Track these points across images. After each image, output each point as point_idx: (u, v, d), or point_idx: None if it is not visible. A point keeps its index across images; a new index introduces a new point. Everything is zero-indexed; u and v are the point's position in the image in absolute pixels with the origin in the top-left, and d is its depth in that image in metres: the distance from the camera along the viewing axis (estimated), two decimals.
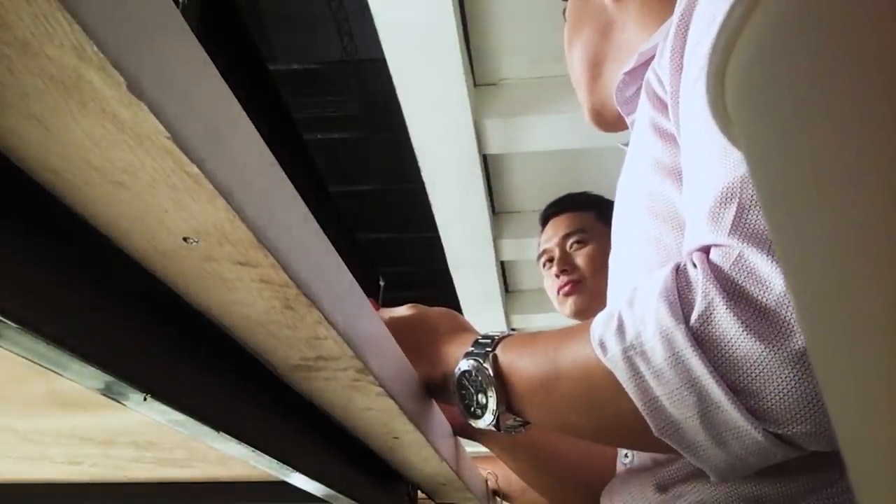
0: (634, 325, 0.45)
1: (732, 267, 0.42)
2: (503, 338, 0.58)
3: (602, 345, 0.47)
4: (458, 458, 0.73)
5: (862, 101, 0.15)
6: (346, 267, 0.39)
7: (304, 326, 0.35)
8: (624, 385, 0.45)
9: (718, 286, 0.42)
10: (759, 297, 0.41)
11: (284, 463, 0.46)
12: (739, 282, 0.42)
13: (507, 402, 0.55)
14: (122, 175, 0.24)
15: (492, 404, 0.55)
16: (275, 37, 6.90)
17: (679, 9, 0.56)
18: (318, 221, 0.35)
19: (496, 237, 5.33)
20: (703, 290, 0.43)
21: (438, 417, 0.64)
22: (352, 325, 0.37)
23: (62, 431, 0.53)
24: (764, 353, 0.40)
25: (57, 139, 0.23)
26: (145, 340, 0.33)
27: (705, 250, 0.45)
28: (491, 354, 0.56)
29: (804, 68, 0.17)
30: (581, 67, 0.87)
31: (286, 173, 0.31)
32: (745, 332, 0.41)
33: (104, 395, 0.31)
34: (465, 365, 0.57)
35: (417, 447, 0.59)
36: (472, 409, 0.57)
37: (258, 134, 0.29)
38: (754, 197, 0.43)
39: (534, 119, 4.17)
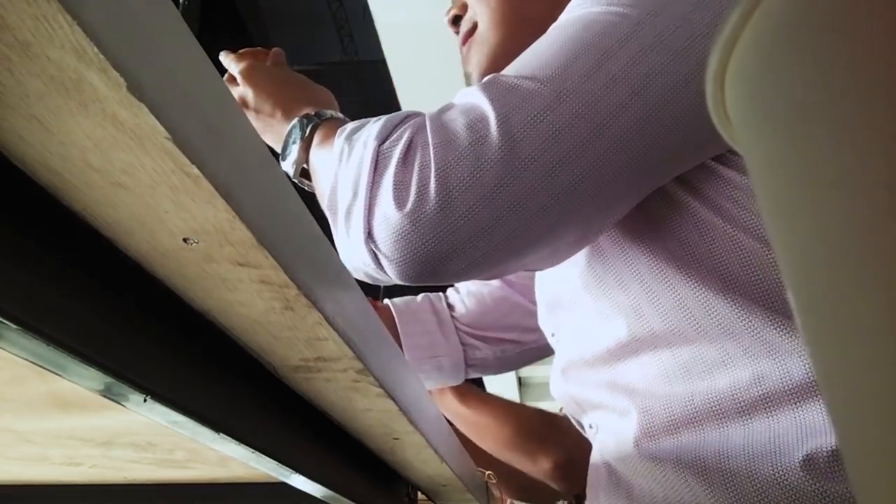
0: None
1: None
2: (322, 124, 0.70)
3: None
4: (459, 460, 0.73)
5: (861, 102, 0.15)
6: (346, 267, 0.39)
7: (304, 327, 0.35)
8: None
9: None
10: None
11: (284, 464, 0.46)
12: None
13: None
14: (122, 176, 0.24)
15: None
16: (275, 37, 6.89)
17: None
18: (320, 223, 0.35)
19: None
20: None
21: (439, 418, 0.63)
22: (352, 325, 0.37)
23: (62, 432, 0.53)
24: None
25: (57, 140, 0.23)
26: (145, 341, 0.32)
27: None
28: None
29: (803, 69, 0.17)
30: (510, 10, 0.74)
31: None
32: None
33: (104, 396, 0.31)
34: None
35: (417, 448, 0.59)
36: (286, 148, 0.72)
37: (258, 134, 0.29)
38: None
39: None
